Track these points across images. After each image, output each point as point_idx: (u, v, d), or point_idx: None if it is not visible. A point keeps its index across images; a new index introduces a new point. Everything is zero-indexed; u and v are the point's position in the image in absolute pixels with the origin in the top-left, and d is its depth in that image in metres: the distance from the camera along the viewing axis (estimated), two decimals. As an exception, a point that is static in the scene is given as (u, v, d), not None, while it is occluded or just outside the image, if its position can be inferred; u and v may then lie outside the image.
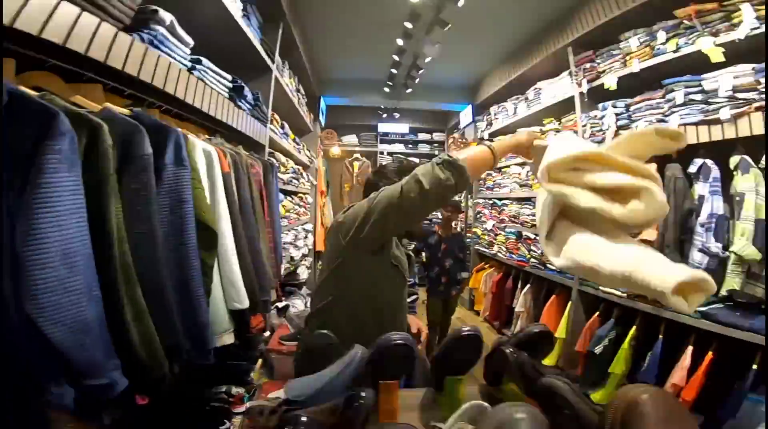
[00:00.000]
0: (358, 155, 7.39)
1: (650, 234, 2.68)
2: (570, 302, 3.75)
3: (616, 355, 2.92)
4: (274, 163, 2.86)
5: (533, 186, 4.73)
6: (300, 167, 4.62)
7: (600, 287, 3.28)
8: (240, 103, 2.43)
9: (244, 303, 1.71)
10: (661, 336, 2.74)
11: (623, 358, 2.88)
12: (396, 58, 5.15)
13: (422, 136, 8.66)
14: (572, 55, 3.97)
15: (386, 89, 6.15)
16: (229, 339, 1.66)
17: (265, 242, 2.20)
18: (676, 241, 2.49)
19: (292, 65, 4.25)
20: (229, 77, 2.25)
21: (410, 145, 8.60)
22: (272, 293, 2.27)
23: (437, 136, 8.65)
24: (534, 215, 4.67)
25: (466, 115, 7.30)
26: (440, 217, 4.69)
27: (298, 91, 4.56)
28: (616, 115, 3.18)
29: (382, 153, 8.32)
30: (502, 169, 5.75)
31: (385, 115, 7.82)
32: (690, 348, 2.51)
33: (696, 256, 2.37)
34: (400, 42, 4.76)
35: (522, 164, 5.17)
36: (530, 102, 4.96)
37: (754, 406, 2.09)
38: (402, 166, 1.70)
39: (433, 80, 6.51)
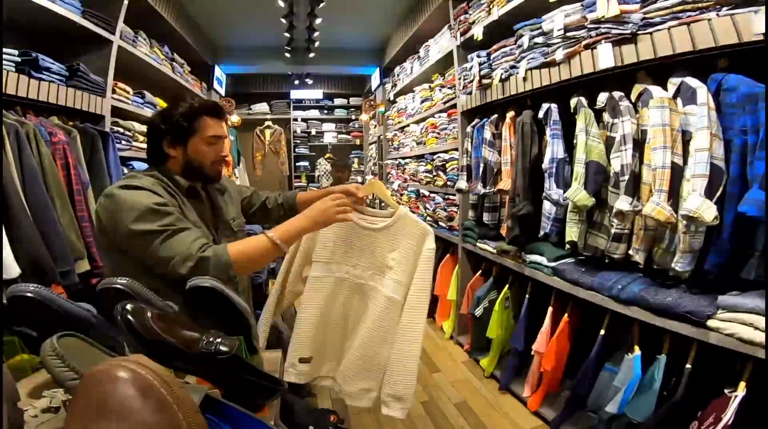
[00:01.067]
0: (269, 123, 6.86)
1: (505, 183, 2.46)
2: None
3: (491, 318, 2.68)
4: (108, 133, 2.57)
5: (427, 142, 4.46)
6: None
7: (477, 243, 3.01)
8: (40, 75, 2.14)
9: (10, 272, 1.56)
10: (527, 295, 2.51)
11: (496, 321, 2.63)
12: (284, 21, 4.66)
13: (339, 101, 8.19)
14: (452, 9, 3.63)
15: (287, 54, 5.64)
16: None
17: (68, 211, 1.98)
18: (525, 189, 2.26)
19: (161, 35, 3.80)
20: (15, 52, 2.00)
21: (326, 111, 8.12)
22: (84, 263, 2.04)
23: (354, 100, 8.20)
24: (428, 172, 4.42)
25: (375, 78, 6.92)
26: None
27: (172, 60, 4.07)
28: (479, 65, 2.89)
29: (296, 119, 7.81)
30: (405, 129, 5.47)
31: (297, 82, 7.29)
32: (550, 310, 2.31)
33: (545, 204, 2.15)
34: (281, 3, 4.28)
35: (419, 122, 4.88)
36: (422, 60, 4.62)
37: (609, 376, 1.86)
38: (191, 109, 1.41)
39: (339, 44, 6.06)
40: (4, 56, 1.93)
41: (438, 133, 4.17)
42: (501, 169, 2.58)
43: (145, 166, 3.13)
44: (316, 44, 5.35)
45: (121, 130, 2.97)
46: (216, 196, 1.56)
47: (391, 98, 6.11)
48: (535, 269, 2.38)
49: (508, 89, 2.64)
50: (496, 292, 2.79)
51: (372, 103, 6.99)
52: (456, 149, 3.63)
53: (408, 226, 1.42)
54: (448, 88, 3.84)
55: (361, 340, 1.41)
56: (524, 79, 2.43)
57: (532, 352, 2.36)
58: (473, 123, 3.04)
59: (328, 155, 7.78)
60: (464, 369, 3.04)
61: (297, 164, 7.91)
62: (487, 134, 2.69)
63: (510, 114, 2.54)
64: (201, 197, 1.48)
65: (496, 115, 2.75)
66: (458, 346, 3.40)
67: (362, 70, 6.96)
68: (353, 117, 8.18)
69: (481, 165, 2.75)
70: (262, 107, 7.53)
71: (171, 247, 1.18)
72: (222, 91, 5.93)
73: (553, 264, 2.22)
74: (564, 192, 2.00)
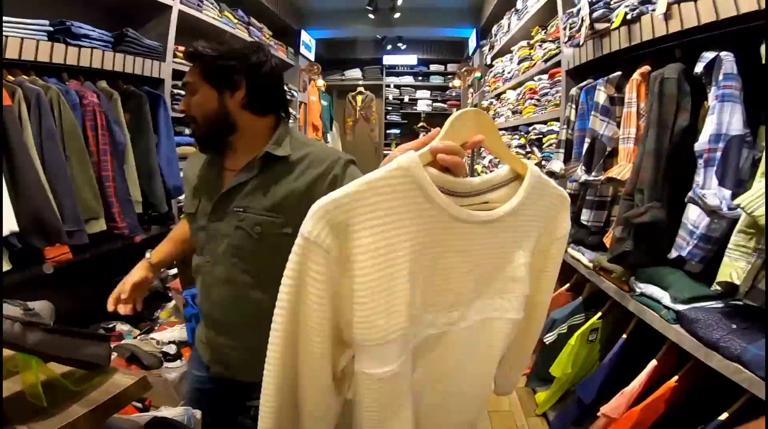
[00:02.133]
0: (361, 89, 6.31)
1: (622, 170, 1.56)
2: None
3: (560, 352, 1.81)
4: (159, 95, 2.47)
5: (523, 111, 3.52)
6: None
7: (569, 249, 2.05)
8: (78, 42, 2.01)
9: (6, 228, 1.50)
10: (624, 336, 1.60)
11: (568, 355, 1.78)
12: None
13: (435, 67, 7.29)
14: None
15: (370, 16, 4.93)
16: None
17: (85, 170, 1.89)
18: (656, 182, 1.36)
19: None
20: (45, 22, 1.90)
21: (420, 78, 7.28)
22: (98, 223, 1.93)
23: (452, 67, 7.23)
24: (521, 147, 3.51)
25: (472, 41, 5.95)
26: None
27: (249, 24, 3.67)
28: (590, 4, 1.94)
29: (388, 86, 7.10)
30: (500, 96, 4.53)
31: (389, 47, 6.55)
32: (653, 364, 1.41)
33: (690, 211, 1.25)
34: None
35: (516, 87, 3.93)
36: (519, 12, 3.64)
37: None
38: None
39: (428, 2, 5.19)
40: (34, 27, 1.85)
41: (537, 100, 3.22)
42: (617, 149, 1.68)
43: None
44: (399, 2, 4.56)
45: (183, 92, 2.73)
46: (246, 173, 1.06)
47: (488, 62, 5.15)
48: (646, 306, 1.46)
49: (636, 34, 1.68)
50: (583, 317, 1.92)
51: (468, 68, 6.05)
52: (557, 119, 2.71)
53: (543, 197, 0.69)
54: (551, 41, 2.87)
55: (476, 382, 0.77)
56: (666, 16, 1.48)
57: (599, 413, 1.50)
58: (583, 84, 2.11)
59: (421, 124, 7.03)
60: (514, 397, 2.28)
61: (388, 132, 7.28)
62: (601, 97, 1.77)
63: (642, 68, 1.61)
64: (217, 166, 1.14)
65: (618, 73, 1.81)
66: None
67: (458, 32, 6.02)
68: (450, 84, 7.26)
69: (587, 140, 1.85)
70: (354, 73, 6.96)
71: None
72: (311, 56, 5.45)
73: (680, 307, 1.29)
74: (733, 195, 1.10)
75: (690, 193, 1.18)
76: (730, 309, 1.21)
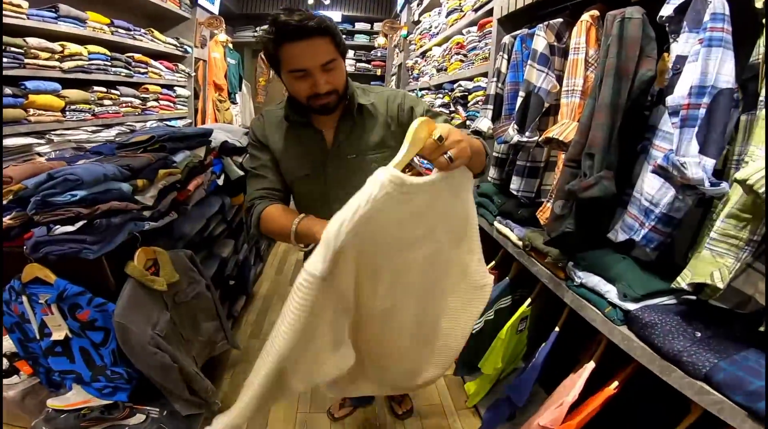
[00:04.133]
0: (277, 45, 5.53)
1: (564, 129, 1.22)
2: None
3: (490, 345, 1.50)
4: None
5: (449, 68, 3.13)
6: (135, 55, 3.24)
7: (495, 223, 1.72)
8: None
9: None
10: (557, 329, 1.30)
11: (497, 352, 1.48)
12: None
13: (360, 25, 6.64)
14: None
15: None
16: None
17: None
18: (607, 145, 1.04)
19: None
20: None
21: (345, 36, 6.61)
22: None
23: (378, 25, 6.62)
24: (444, 106, 3.15)
25: (400, -4, 5.39)
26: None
27: None
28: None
29: (309, 43, 6.39)
30: (426, 54, 4.11)
31: (311, 2, 5.78)
32: (589, 366, 1.13)
33: (647, 182, 0.95)
34: None
35: (442, 42, 3.51)
36: (450, -41, 3.17)
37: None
38: (270, 31, 1.00)
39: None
40: None
41: (465, 55, 2.83)
42: (558, 105, 1.34)
43: (45, 84, 2.38)
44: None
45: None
46: (345, 125, 1.15)
47: (416, 18, 4.68)
48: (586, 300, 1.14)
49: (583, -30, 1.32)
50: (509, 299, 1.61)
51: (393, 25, 5.51)
52: (485, 75, 2.34)
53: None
54: (483, -13, 2.46)
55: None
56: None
57: (540, 424, 1.19)
58: (516, 33, 1.74)
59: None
60: (443, 388, 1.96)
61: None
62: (540, 44, 1.40)
63: (592, 11, 1.24)
64: (312, 128, 1.16)
65: (560, 20, 1.44)
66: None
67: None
68: (375, 44, 6.66)
69: (521, 95, 1.49)
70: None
71: (248, 186, 1.18)
72: (214, 9, 4.51)
73: (631, 305, 0.99)
74: (715, 161, 0.79)
75: (660, 161, 0.85)
76: (687, 308, 0.93)
